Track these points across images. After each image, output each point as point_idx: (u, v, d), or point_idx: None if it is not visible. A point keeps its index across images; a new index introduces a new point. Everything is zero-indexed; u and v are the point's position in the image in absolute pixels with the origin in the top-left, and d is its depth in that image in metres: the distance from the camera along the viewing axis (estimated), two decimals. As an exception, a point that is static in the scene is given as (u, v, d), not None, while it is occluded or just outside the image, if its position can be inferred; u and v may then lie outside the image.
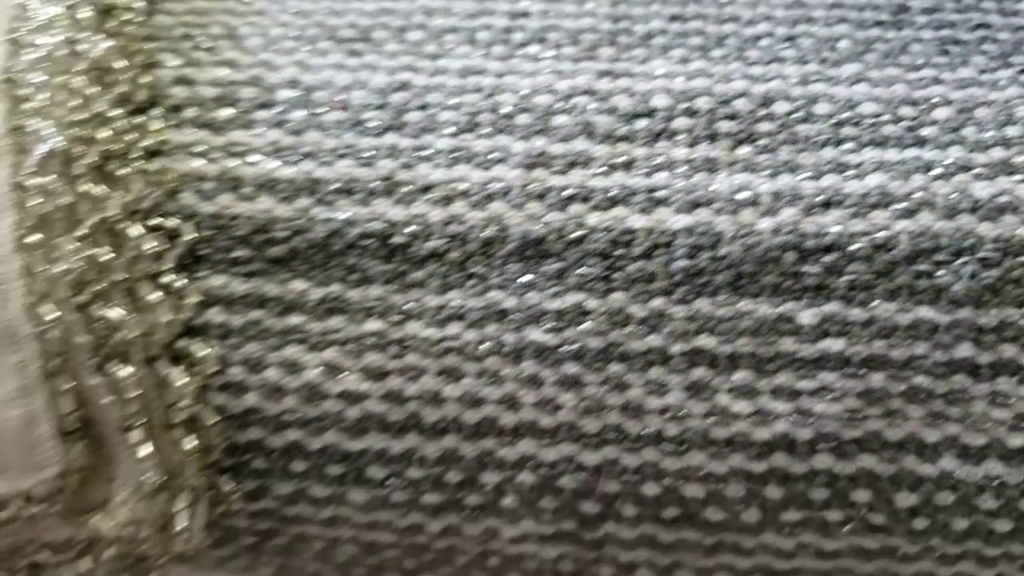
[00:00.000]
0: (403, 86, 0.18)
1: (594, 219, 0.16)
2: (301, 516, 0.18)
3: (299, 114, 0.18)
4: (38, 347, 0.16)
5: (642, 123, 0.17)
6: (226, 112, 0.18)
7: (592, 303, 0.16)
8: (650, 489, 0.17)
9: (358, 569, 0.19)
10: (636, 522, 0.17)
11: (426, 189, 0.17)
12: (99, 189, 0.16)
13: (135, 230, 0.16)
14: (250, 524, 0.18)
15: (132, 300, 0.16)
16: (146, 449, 0.16)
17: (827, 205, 0.16)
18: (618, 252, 0.16)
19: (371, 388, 0.17)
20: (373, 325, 0.17)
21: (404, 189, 0.17)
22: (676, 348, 0.16)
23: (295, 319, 0.17)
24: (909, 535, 0.17)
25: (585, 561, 0.18)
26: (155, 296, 0.16)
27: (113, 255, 0.16)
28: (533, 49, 0.18)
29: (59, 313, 0.16)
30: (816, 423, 0.16)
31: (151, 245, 0.16)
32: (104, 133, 0.17)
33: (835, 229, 0.16)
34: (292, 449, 0.17)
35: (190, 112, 0.18)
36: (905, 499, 0.16)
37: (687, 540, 0.17)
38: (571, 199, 0.17)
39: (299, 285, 0.17)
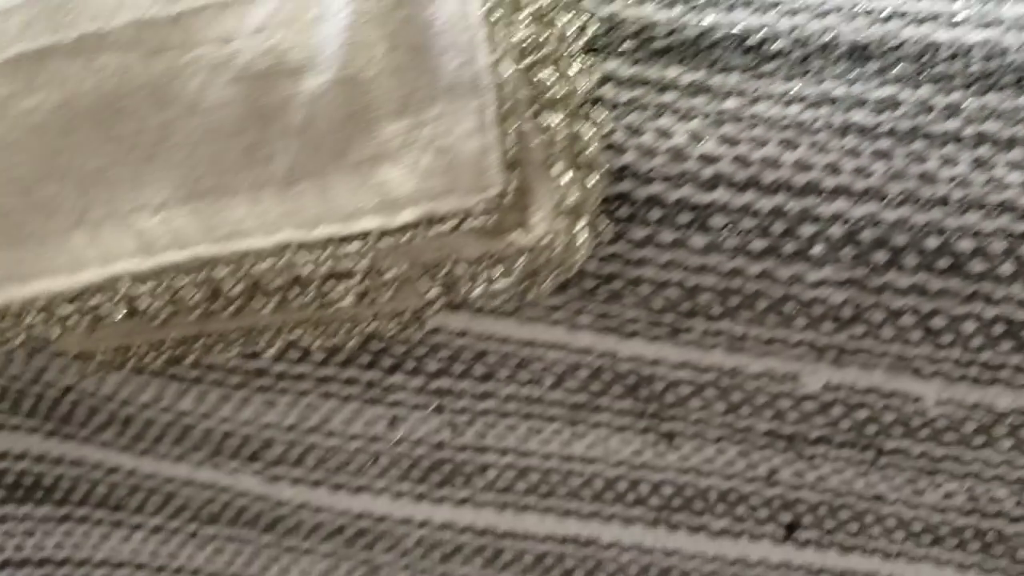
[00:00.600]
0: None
1: (908, 32, 0.22)
2: (644, 259, 0.23)
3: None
4: (494, 96, 0.21)
5: (940, -33, 0.22)
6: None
7: (904, 94, 0.22)
8: (931, 243, 0.22)
9: (669, 315, 0.24)
10: (914, 271, 0.22)
11: (775, 5, 0.22)
12: (536, -16, 0.22)
13: (561, 19, 0.22)
14: (597, 268, 0.24)
15: (557, 70, 0.22)
16: (567, 177, 0.21)
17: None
18: (926, 58, 0.22)
19: (724, 152, 0.22)
20: (730, 104, 0.22)
21: (758, 3, 0.22)
22: (968, 130, 0.21)
23: (668, 97, 0.22)
24: None
25: (863, 307, 0.23)
26: (572, 69, 0.22)
27: (547, 34, 0.21)
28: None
29: (512, 70, 0.21)
30: (1069, 194, 0.21)
31: (572, 31, 0.22)
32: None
33: (1093, 48, 0.21)
34: (652, 200, 0.22)
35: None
36: None
37: (950, 289, 0.22)
38: (890, 17, 0.22)
39: (673, 71, 0.22)
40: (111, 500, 0.32)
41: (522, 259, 0.22)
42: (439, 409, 0.28)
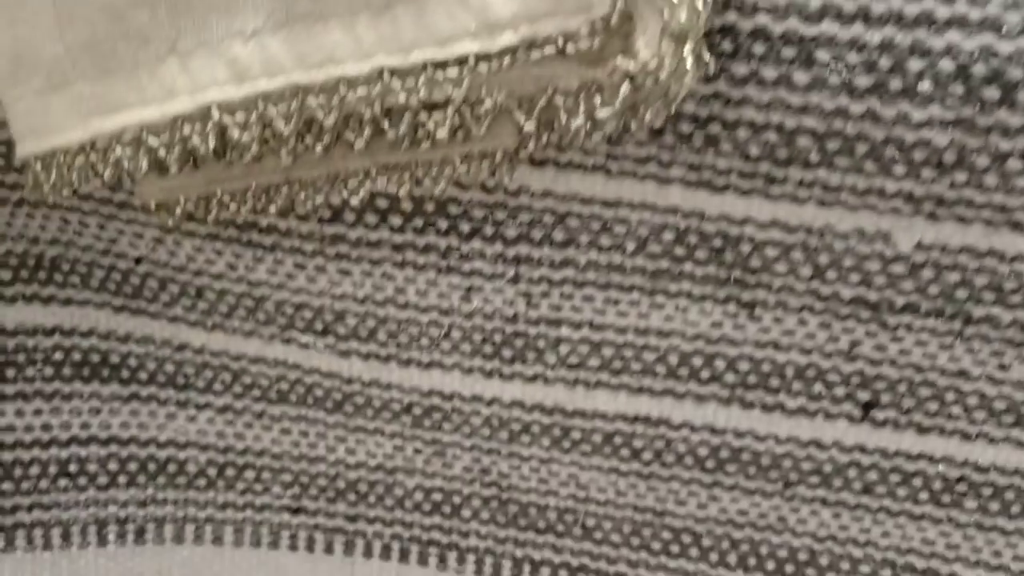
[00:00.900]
0: None
1: None
2: (744, 99, 0.23)
3: None
4: (603, -89, 0.20)
5: None
6: None
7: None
8: (1049, 77, 0.21)
9: (764, 164, 0.24)
10: (1028, 111, 0.22)
11: None
12: None
13: None
14: (695, 109, 0.23)
15: None
16: (676, -4, 0.21)
17: None
18: None
19: (833, -19, 0.21)
20: (841, -68, 0.21)
21: None
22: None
23: (776, -75, 0.21)
24: None
25: (968, 150, 0.22)
26: None
27: None
28: None
29: None
30: None
31: None
32: None
33: None
34: (757, 32, 0.22)
35: None
36: None
37: (1064, 134, 0.22)
38: None
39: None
40: (178, 379, 0.32)
41: (625, 87, 0.21)
42: (515, 279, 0.28)
